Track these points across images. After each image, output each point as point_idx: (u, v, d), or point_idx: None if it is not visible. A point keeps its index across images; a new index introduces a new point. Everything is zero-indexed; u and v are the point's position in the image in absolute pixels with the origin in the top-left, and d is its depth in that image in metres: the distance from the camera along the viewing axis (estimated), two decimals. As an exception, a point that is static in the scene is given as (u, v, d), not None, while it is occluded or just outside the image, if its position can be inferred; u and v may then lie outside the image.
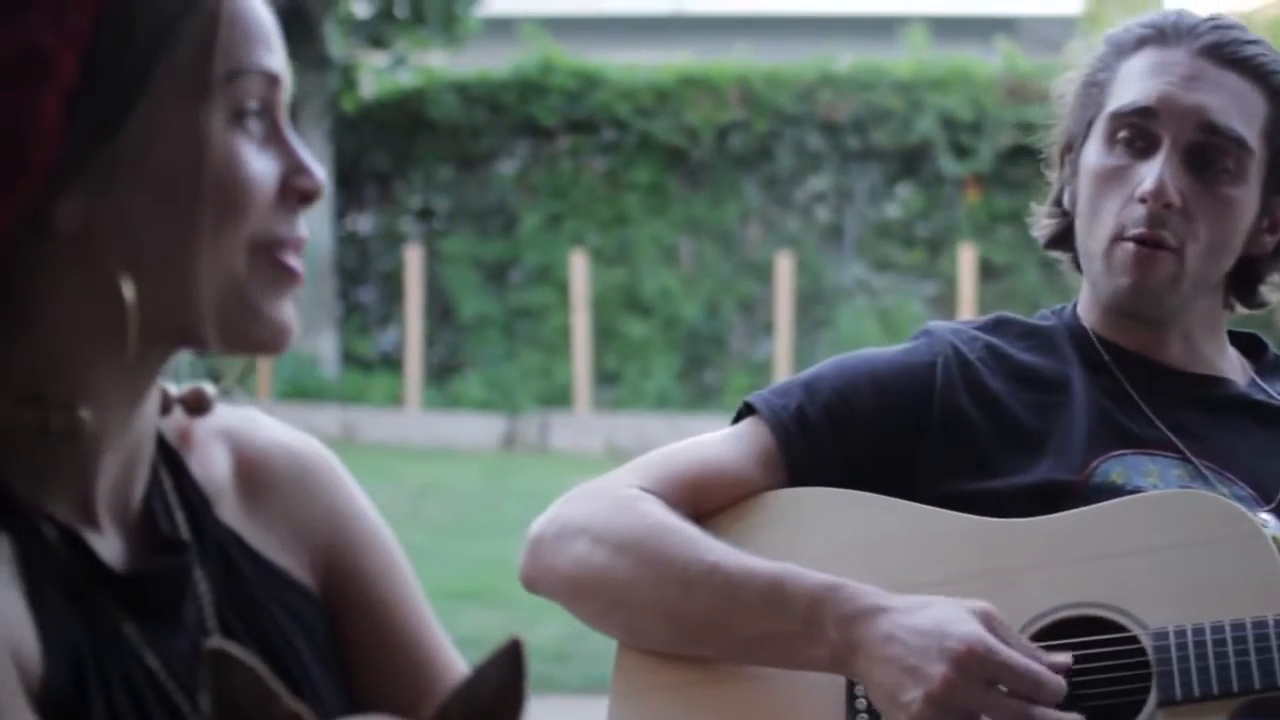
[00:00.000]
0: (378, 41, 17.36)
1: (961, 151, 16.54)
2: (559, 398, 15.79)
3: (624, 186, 16.96)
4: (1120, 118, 2.32)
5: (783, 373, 14.77)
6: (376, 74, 17.75)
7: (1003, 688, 2.07)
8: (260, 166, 1.49)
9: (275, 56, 1.51)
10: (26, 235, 1.45)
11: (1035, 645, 2.13)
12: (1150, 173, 2.28)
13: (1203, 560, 2.17)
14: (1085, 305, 2.42)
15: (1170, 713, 2.12)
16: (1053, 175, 2.43)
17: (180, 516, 1.57)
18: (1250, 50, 2.32)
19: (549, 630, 7.49)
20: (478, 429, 15.17)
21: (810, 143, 16.82)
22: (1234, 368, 2.43)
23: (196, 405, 1.59)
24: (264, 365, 13.72)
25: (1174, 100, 2.29)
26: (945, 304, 15.87)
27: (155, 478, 1.56)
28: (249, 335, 1.50)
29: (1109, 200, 2.31)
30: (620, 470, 2.36)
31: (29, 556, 1.45)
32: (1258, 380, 2.44)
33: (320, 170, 1.52)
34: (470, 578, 8.91)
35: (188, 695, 1.50)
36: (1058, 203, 2.42)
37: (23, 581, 1.44)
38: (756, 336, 16.68)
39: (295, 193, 1.51)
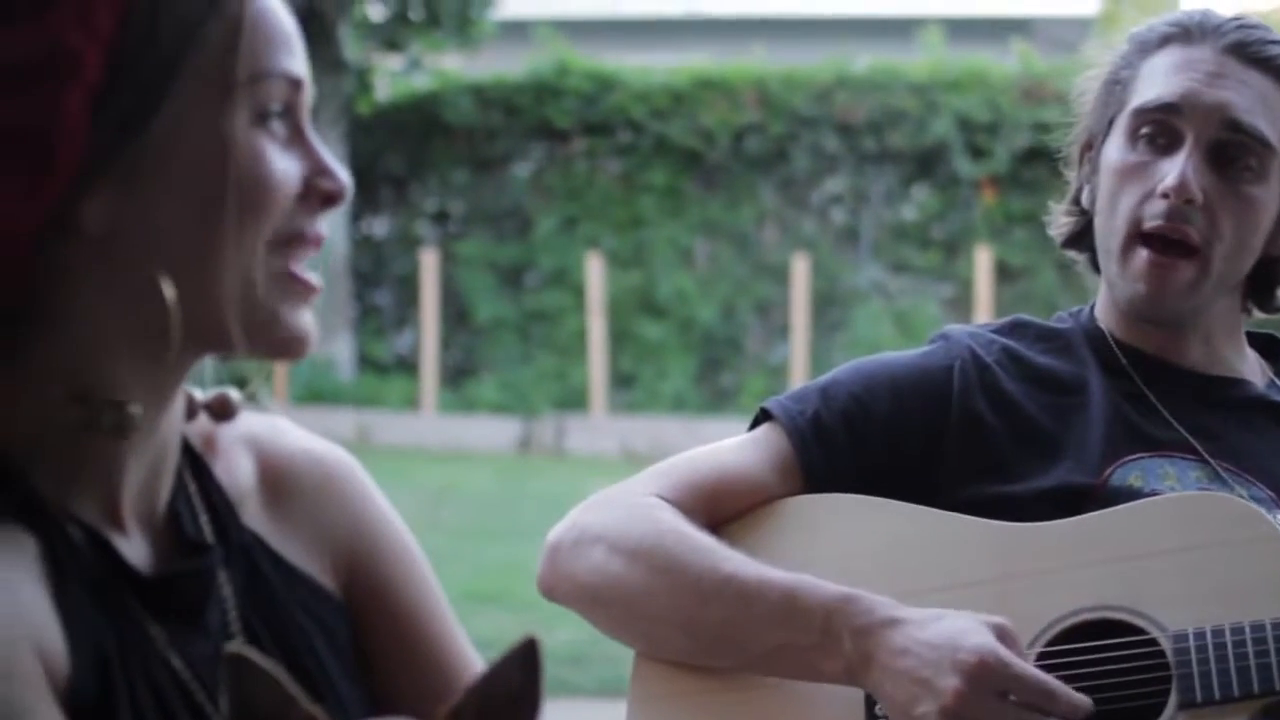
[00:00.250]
0: (393, 44, 17.38)
1: (977, 153, 16.52)
2: (575, 400, 15.80)
3: (639, 189, 16.96)
4: (1143, 114, 2.32)
5: (799, 375, 14.77)
6: (391, 77, 17.77)
7: (1014, 699, 2.06)
8: (284, 166, 1.50)
9: (297, 60, 1.52)
10: (53, 236, 1.46)
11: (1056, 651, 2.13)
12: (1173, 168, 2.28)
13: (1221, 562, 2.17)
14: (1102, 307, 2.41)
15: (1191, 715, 2.11)
16: (1072, 174, 2.43)
17: (205, 520, 1.58)
18: (1274, 50, 2.32)
19: (565, 633, 7.48)
20: (493, 432, 15.18)
21: (826, 145, 16.81)
22: (1252, 369, 2.43)
23: (221, 410, 1.60)
24: (280, 369, 13.73)
25: (1198, 97, 2.29)
26: (961, 306, 15.86)
27: (180, 482, 1.57)
28: (270, 338, 1.51)
29: (1128, 194, 2.30)
30: (637, 478, 2.35)
31: (55, 557, 1.46)
32: (1276, 381, 2.43)
33: (344, 173, 1.54)
34: (486, 580, 8.91)
35: (212, 697, 1.51)
36: (1076, 201, 2.41)
37: (49, 581, 1.45)
38: (772, 339, 16.67)
39: (318, 194, 1.52)
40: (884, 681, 2.11)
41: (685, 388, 16.34)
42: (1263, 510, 2.21)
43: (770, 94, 16.88)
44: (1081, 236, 2.41)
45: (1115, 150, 2.33)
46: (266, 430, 1.65)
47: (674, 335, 16.60)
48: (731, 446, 2.36)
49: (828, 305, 16.29)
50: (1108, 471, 2.28)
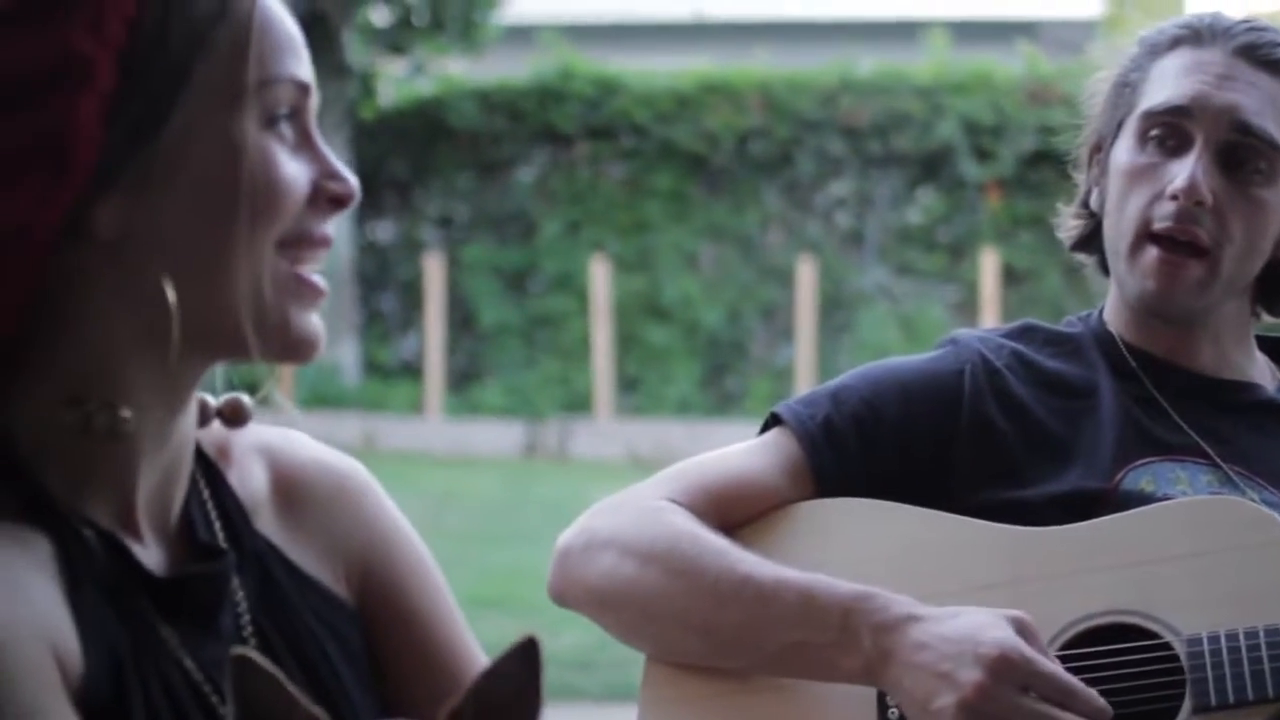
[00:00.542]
0: (396, 49, 17.38)
1: (983, 156, 16.53)
2: (579, 405, 15.80)
3: (644, 193, 16.97)
4: (1153, 116, 2.31)
5: (804, 378, 14.77)
6: (395, 82, 17.77)
7: (1034, 694, 2.05)
8: (293, 170, 1.52)
9: (304, 66, 1.54)
10: (66, 240, 1.47)
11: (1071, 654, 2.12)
12: (1182, 170, 2.27)
13: (1234, 566, 2.16)
14: (1112, 310, 2.41)
15: (1205, 719, 2.10)
16: (1081, 176, 2.42)
17: (218, 526, 1.59)
18: (1284, 52, 2.31)
19: (571, 638, 7.48)
20: (498, 436, 15.19)
21: (831, 148, 16.81)
22: (1262, 373, 2.42)
23: (234, 415, 1.61)
24: (285, 374, 13.71)
25: (1208, 99, 2.29)
26: (967, 309, 15.86)
27: (194, 488, 1.58)
28: (280, 341, 1.52)
29: (1137, 196, 2.30)
30: (646, 482, 2.35)
31: (68, 558, 1.47)
32: (1287, 385, 2.42)
33: (352, 176, 1.55)
34: (491, 585, 8.91)
35: (225, 701, 1.49)
36: (1085, 204, 2.41)
37: (62, 582, 1.46)
38: (777, 342, 16.67)
39: (326, 196, 1.53)
40: (903, 677, 2.11)
41: (690, 392, 16.35)
42: (1275, 514, 2.20)
43: (775, 97, 16.88)
44: (1091, 239, 2.41)
45: (1124, 152, 2.33)
46: (280, 440, 1.66)
47: (679, 339, 16.60)
48: (741, 451, 2.36)
49: (833, 309, 16.29)
50: (1119, 476, 2.28)
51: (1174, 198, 2.27)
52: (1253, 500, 2.25)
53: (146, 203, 1.48)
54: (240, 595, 1.57)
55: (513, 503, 12.33)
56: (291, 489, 1.64)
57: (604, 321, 15.74)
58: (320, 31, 15.58)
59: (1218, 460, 2.31)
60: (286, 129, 1.52)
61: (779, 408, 2.36)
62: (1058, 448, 2.30)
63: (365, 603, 1.65)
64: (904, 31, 18.99)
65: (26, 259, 1.46)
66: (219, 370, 1.60)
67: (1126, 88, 2.36)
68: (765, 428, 2.37)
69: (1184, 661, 2.12)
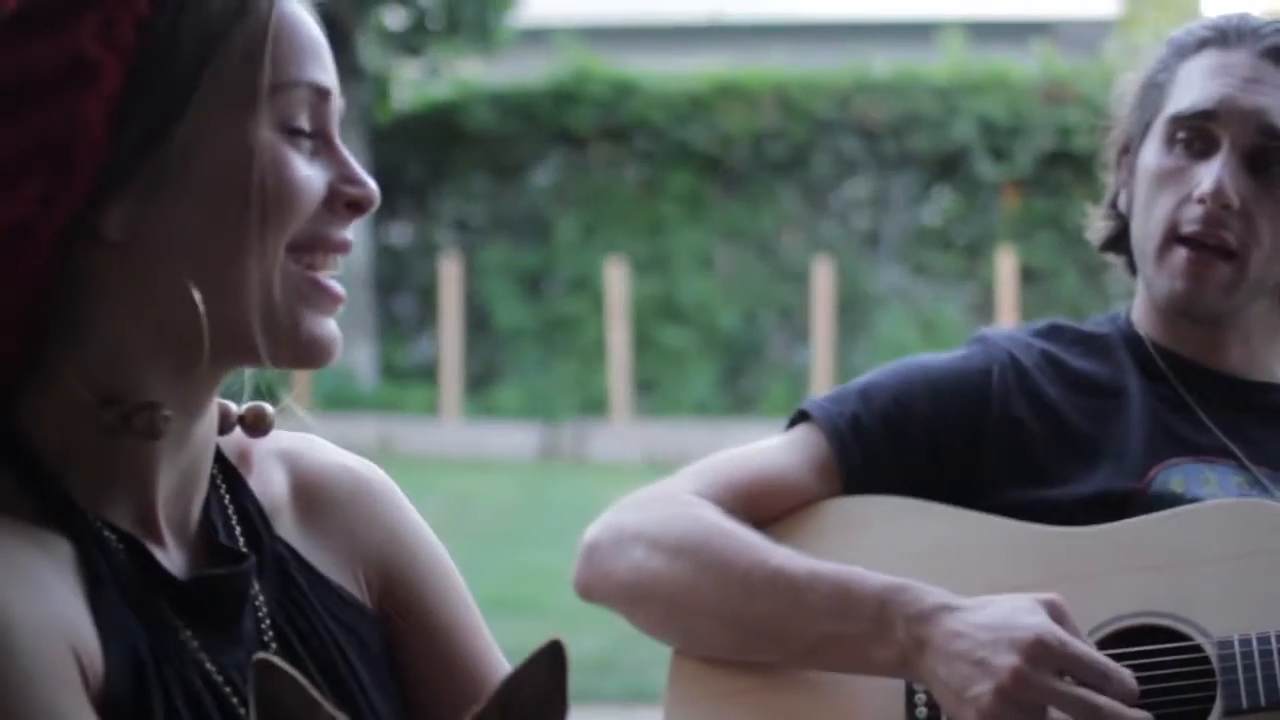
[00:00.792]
0: (412, 52, 17.38)
1: (999, 155, 16.51)
2: (596, 407, 15.80)
3: (660, 194, 16.97)
4: (1179, 120, 2.32)
5: (821, 379, 14.77)
6: (411, 85, 17.78)
7: (1069, 678, 2.04)
8: (308, 173, 1.51)
9: (325, 70, 1.53)
10: (77, 242, 1.47)
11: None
12: (1209, 174, 2.28)
13: (1266, 569, 2.16)
14: (1140, 310, 2.40)
15: (1236, 722, 2.10)
16: (1109, 177, 2.42)
17: (238, 531, 1.58)
18: (1311, 55, 2.31)
19: (589, 640, 7.48)
20: (515, 439, 15.19)
21: (847, 148, 16.81)
22: (1290, 374, 2.41)
23: (256, 424, 1.61)
24: (301, 377, 13.74)
25: (1234, 102, 2.29)
26: (984, 309, 15.84)
27: (214, 493, 1.58)
28: (293, 345, 1.51)
29: (1165, 199, 2.30)
30: (673, 478, 2.35)
31: (89, 560, 1.47)
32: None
33: (371, 182, 1.54)
34: (509, 587, 8.91)
35: (247, 704, 1.49)
36: (1114, 205, 2.41)
37: (83, 584, 1.46)
38: (795, 343, 16.66)
39: (344, 201, 1.53)
40: (938, 666, 2.10)
41: (707, 393, 16.34)
42: (1305, 516, 2.19)
43: (790, 98, 16.88)
44: (1119, 239, 2.41)
45: (1152, 155, 2.33)
46: (300, 445, 1.66)
47: (695, 341, 16.60)
48: (768, 447, 2.35)
49: (849, 309, 16.27)
50: (1149, 476, 2.27)
51: (1201, 201, 2.27)
52: (1281, 502, 2.24)
53: (158, 205, 1.47)
54: (260, 599, 1.57)
55: (530, 505, 12.33)
56: (311, 493, 1.64)
57: (620, 323, 15.74)
58: (334, 34, 15.51)
59: (1246, 462, 2.30)
60: (305, 133, 1.51)
61: (807, 404, 2.36)
62: (1086, 447, 2.29)
63: (385, 606, 1.65)
64: (919, 32, 18.98)
65: (32, 259, 1.46)
66: (247, 377, 1.60)
67: (1154, 89, 2.36)
68: (792, 424, 2.36)
69: (1215, 664, 2.11)
